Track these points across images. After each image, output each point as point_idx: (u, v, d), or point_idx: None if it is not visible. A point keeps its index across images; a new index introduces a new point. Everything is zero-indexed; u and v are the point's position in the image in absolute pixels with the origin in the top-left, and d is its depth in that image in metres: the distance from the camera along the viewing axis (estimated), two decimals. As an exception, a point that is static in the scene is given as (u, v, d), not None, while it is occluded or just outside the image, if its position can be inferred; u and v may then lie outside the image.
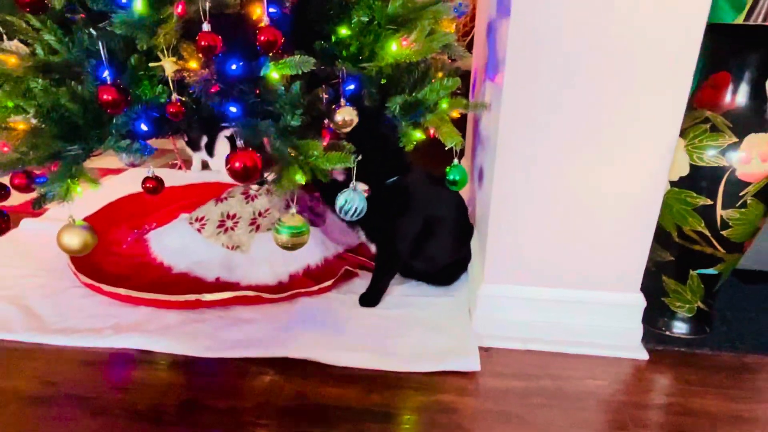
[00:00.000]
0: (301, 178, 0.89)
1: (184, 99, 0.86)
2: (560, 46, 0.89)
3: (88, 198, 1.79)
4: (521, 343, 1.07)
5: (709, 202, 0.98)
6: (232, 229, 1.35)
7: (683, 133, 1.01)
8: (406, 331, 1.10)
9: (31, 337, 1.10)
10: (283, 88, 0.88)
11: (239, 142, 0.83)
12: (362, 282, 1.29)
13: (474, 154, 1.50)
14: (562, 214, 1.00)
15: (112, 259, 1.39)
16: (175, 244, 1.36)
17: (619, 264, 1.03)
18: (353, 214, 0.98)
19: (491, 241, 1.05)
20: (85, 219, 1.53)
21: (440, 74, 1.04)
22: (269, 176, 0.95)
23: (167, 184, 1.80)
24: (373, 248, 1.24)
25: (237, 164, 0.82)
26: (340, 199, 0.97)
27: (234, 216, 1.38)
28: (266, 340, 1.06)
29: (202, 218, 1.39)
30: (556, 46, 0.89)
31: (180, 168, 1.84)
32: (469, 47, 2.25)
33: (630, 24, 0.87)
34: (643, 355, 1.05)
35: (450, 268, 1.27)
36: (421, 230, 1.18)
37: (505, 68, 0.92)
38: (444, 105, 1.03)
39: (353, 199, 0.98)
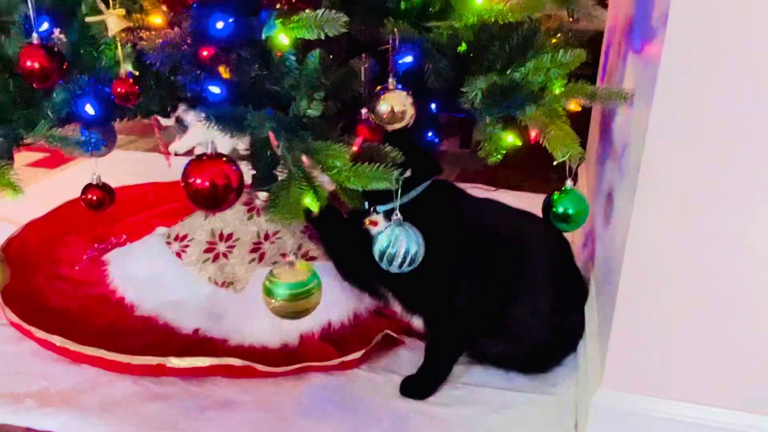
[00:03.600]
0: (312, 203, 0.86)
1: (137, 74, 0.86)
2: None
3: (40, 193, 1.81)
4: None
5: None
6: (224, 255, 1.33)
7: None
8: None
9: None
10: (294, 58, 0.86)
11: (207, 143, 0.81)
12: (411, 356, 1.23)
13: (599, 171, 1.43)
14: (746, 289, 0.91)
15: (58, 285, 1.39)
16: (142, 271, 1.35)
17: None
18: (402, 264, 0.92)
19: (618, 319, 0.96)
20: (32, 223, 1.58)
21: (553, 41, 1.00)
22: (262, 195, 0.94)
23: (151, 177, 1.77)
24: (415, 321, 1.19)
25: (198, 181, 0.79)
26: (381, 240, 0.92)
27: (229, 237, 1.35)
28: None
29: (185, 237, 1.36)
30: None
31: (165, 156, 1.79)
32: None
33: None
34: None
35: (545, 346, 1.20)
36: (489, 281, 1.13)
37: (665, 29, 0.82)
38: (557, 91, 0.97)
39: (400, 238, 0.92)
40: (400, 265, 0.93)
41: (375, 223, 1.11)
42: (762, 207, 0.87)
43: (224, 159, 0.82)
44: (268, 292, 0.87)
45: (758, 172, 0.86)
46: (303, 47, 0.87)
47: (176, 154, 1.39)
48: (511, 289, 1.15)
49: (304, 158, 0.87)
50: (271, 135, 0.88)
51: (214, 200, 0.80)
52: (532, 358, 1.20)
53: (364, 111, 0.92)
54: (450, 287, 1.14)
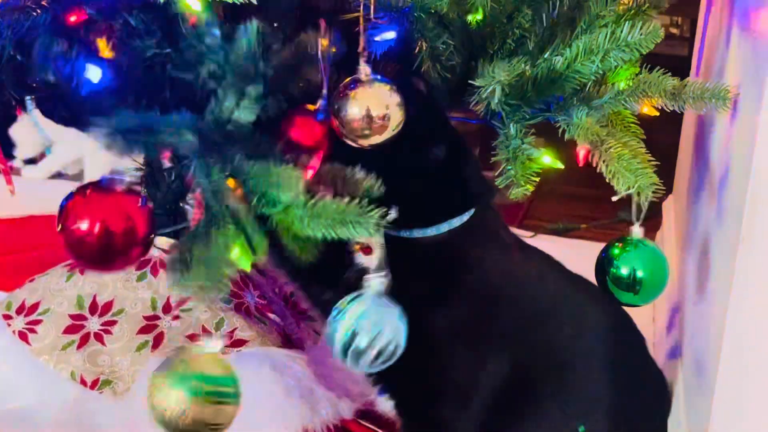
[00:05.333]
0: (244, 259, 0.83)
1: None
2: None
3: None
4: None
5: None
6: (98, 338, 1.26)
7: None
8: None
9: None
10: (218, 33, 0.83)
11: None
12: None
13: (692, 210, 1.42)
14: None
15: None
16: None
17: None
18: (375, 360, 0.89)
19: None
20: None
21: (619, 7, 0.99)
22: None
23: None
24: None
25: (83, 225, 0.76)
26: (344, 327, 0.89)
27: (107, 309, 1.28)
28: None
29: (34, 308, 1.29)
30: None
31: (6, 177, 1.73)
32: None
33: None
34: None
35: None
36: (513, 390, 1.07)
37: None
38: (621, 86, 0.97)
39: (375, 318, 0.89)
40: (371, 362, 0.90)
41: (368, 251, 1.03)
42: None
43: (122, 188, 0.81)
44: (153, 399, 0.79)
45: None
46: (231, 15, 0.86)
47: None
48: (547, 405, 1.08)
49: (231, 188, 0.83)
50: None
51: (106, 255, 0.77)
52: None
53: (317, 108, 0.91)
54: (447, 391, 1.08)
